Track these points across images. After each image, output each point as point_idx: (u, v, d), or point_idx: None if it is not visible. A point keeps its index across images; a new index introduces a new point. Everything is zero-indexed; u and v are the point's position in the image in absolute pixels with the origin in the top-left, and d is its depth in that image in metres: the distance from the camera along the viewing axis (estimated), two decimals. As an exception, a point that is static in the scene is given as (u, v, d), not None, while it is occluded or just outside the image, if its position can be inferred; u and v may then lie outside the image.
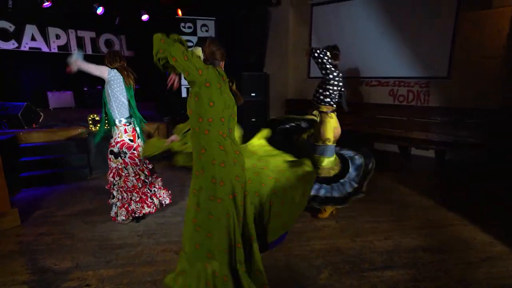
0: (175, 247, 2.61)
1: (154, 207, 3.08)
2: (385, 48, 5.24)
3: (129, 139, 2.87)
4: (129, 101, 2.89)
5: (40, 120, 5.22)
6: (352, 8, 5.48)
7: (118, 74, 2.80)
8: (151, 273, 2.28)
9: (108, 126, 2.99)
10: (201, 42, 1.75)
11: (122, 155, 2.85)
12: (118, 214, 2.95)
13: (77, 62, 2.60)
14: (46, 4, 6.04)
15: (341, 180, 3.01)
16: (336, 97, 3.06)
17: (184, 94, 6.67)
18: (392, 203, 3.48)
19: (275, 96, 6.68)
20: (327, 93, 3.00)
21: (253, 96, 6.07)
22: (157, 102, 6.74)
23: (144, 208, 2.99)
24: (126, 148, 2.86)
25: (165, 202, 3.21)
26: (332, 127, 3.07)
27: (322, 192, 2.97)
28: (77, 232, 2.88)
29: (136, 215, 2.99)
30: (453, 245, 2.63)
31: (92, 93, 8.46)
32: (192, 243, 1.74)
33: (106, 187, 3.06)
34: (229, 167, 1.71)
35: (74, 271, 2.30)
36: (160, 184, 3.21)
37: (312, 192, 2.94)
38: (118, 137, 2.84)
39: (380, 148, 5.50)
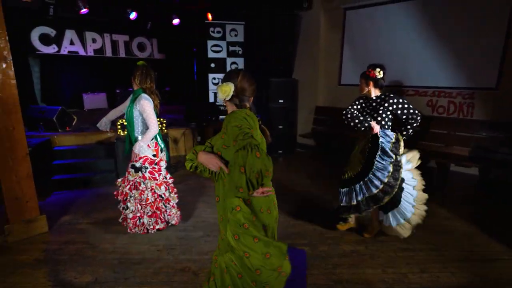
0: (194, 266, 2.53)
1: (165, 224, 3.06)
2: (424, 56, 4.86)
3: (153, 154, 2.85)
4: None
5: (74, 123, 5.41)
6: (390, 12, 5.14)
7: (149, 98, 2.79)
8: (168, 295, 2.21)
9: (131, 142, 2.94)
10: (233, 76, 1.61)
11: (143, 169, 2.83)
12: (131, 224, 2.94)
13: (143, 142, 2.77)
14: (84, 11, 6.29)
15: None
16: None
17: (211, 99, 6.66)
18: (428, 229, 3.15)
19: (304, 103, 6.45)
20: None
21: (280, 102, 5.91)
22: (185, 106, 6.79)
23: (157, 224, 2.97)
24: (148, 163, 2.84)
25: (171, 222, 3.11)
26: None
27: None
28: (99, 243, 2.90)
29: (149, 232, 2.98)
30: (502, 286, 2.33)
31: (124, 95, 8.72)
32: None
33: (114, 193, 3.04)
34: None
35: (92, 286, 2.29)
36: (175, 202, 3.11)
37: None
38: (141, 152, 2.81)
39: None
